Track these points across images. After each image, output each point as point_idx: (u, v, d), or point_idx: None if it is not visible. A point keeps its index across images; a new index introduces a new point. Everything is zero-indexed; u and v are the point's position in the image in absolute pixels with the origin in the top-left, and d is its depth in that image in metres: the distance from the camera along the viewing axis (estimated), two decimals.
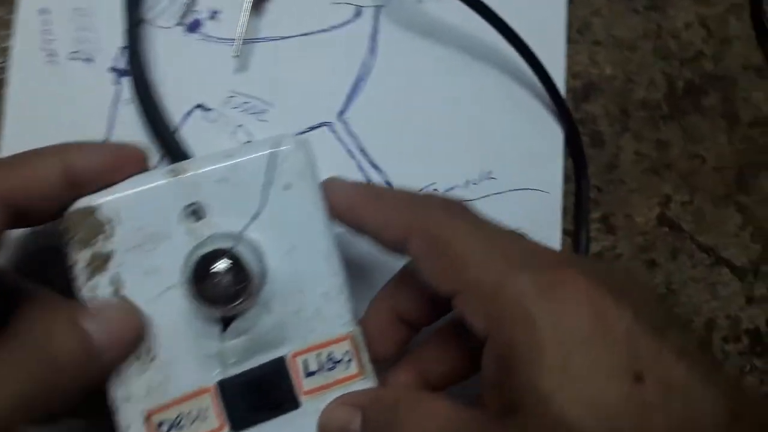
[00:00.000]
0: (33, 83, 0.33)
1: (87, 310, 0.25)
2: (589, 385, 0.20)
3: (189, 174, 0.26)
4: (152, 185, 0.26)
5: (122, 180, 0.26)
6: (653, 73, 0.38)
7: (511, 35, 0.34)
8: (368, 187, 0.28)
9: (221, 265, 0.25)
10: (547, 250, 0.25)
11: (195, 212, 0.27)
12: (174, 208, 0.26)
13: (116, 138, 0.33)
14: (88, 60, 0.33)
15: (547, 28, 0.37)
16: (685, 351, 0.21)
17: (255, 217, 0.27)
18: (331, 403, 0.27)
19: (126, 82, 0.33)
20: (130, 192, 0.26)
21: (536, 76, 0.35)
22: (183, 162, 0.27)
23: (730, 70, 0.38)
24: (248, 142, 0.34)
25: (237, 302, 0.25)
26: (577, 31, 0.37)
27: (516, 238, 0.26)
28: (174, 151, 0.32)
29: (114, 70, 0.33)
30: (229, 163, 0.27)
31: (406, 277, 0.29)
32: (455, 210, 0.26)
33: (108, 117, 0.33)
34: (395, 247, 0.26)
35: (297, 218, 0.27)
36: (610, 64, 0.37)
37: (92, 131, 0.33)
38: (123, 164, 0.26)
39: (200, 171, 0.26)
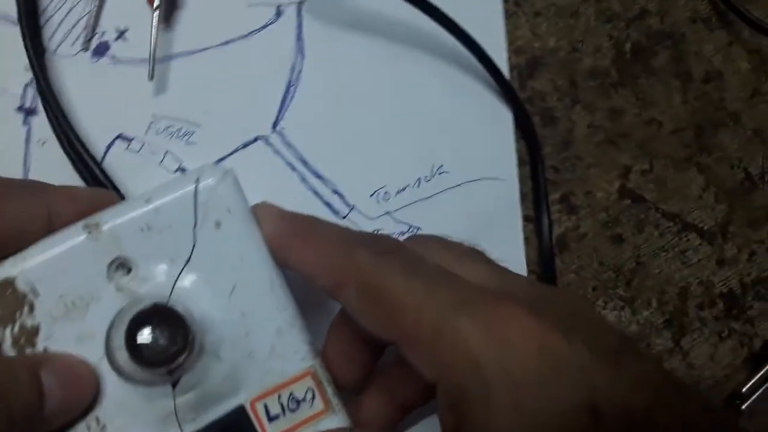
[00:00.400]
0: None
1: (47, 363, 0.23)
2: (544, 423, 0.19)
3: (107, 226, 0.24)
4: (68, 245, 0.24)
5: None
6: (599, 39, 0.36)
7: (443, 18, 0.32)
8: (297, 221, 0.26)
9: (154, 326, 0.22)
10: (485, 287, 0.23)
11: (122, 267, 0.24)
12: (98, 266, 0.24)
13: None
14: None
15: (481, 3, 0.35)
16: (642, 378, 0.20)
17: (187, 262, 0.25)
18: None
19: (35, 122, 0.30)
20: (46, 256, 0.23)
21: (475, 57, 0.33)
22: (97, 214, 0.25)
23: (677, 25, 0.37)
24: (178, 171, 0.31)
25: (180, 360, 0.23)
26: (514, 3, 0.35)
27: (452, 277, 0.24)
28: (104, 187, 0.30)
29: (21, 109, 0.30)
30: (149, 207, 0.24)
31: (340, 324, 0.28)
32: (388, 251, 0.25)
33: (23, 159, 0.30)
34: (328, 294, 0.24)
35: (233, 256, 0.25)
36: (552, 35, 0.35)
37: (9, 175, 0.30)
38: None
39: (118, 222, 0.24)
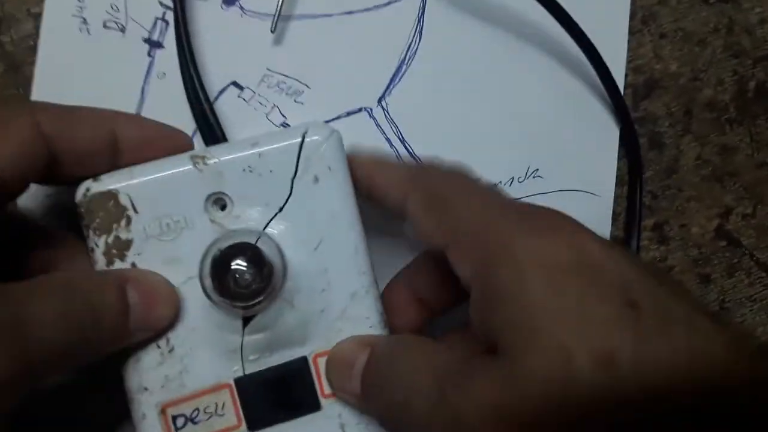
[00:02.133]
0: (63, 52, 0.31)
1: (134, 280, 0.24)
2: (576, 311, 0.19)
3: (213, 161, 0.25)
4: (174, 171, 0.25)
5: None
6: (722, 72, 0.35)
7: (569, 22, 0.32)
8: (377, 156, 0.28)
9: (241, 261, 0.23)
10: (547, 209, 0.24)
11: (219, 201, 0.25)
12: (197, 196, 0.25)
13: (149, 112, 0.31)
14: (122, 30, 0.32)
15: (608, 15, 0.34)
16: (684, 294, 0.20)
17: (281, 209, 0.25)
18: (345, 339, 0.26)
19: (159, 55, 0.32)
20: (151, 177, 0.24)
21: (593, 67, 0.33)
22: (208, 148, 0.26)
23: None
24: (281, 126, 0.32)
25: (257, 300, 0.23)
26: (641, 21, 0.34)
27: (507, 199, 0.27)
28: (210, 128, 0.31)
29: (147, 41, 0.32)
30: (255, 151, 0.25)
31: (426, 260, 0.29)
32: (455, 172, 0.27)
33: (141, 88, 0.32)
34: (397, 208, 0.26)
35: (325, 213, 0.25)
36: (675, 59, 0.34)
37: (123, 105, 0.31)
38: (168, 147, 0.26)
39: (225, 159, 0.25)
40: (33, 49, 0.31)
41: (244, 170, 0.25)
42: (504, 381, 0.19)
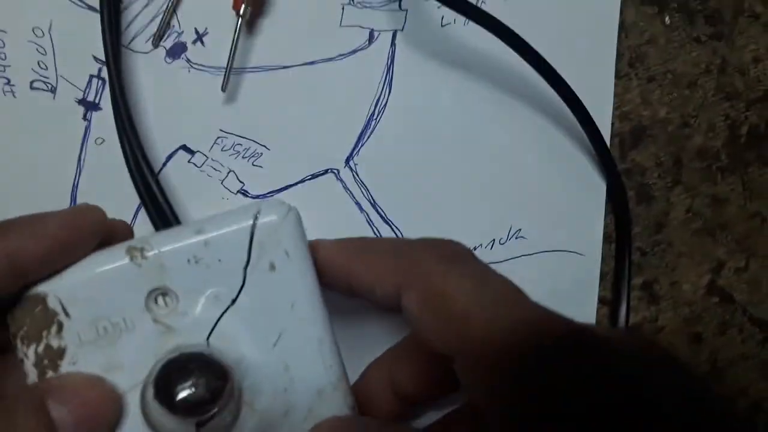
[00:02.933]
0: None
1: (56, 392, 0.21)
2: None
3: (152, 253, 0.22)
4: (109, 267, 0.22)
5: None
6: (714, 117, 0.32)
7: (549, 72, 0.29)
8: (353, 240, 0.24)
9: (189, 373, 0.20)
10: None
11: (162, 297, 0.22)
12: (136, 294, 0.22)
13: (88, 182, 0.28)
14: (52, 90, 0.28)
15: (593, 58, 0.31)
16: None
17: (233, 302, 0.22)
18: (318, 425, 0.23)
19: (96, 117, 0.28)
20: (82, 277, 0.21)
21: (577, 119, 0.30)
22: (146, 237, 0.23)
23: None
24: (238, 193, 0.29)
25: (213, 410, 0.21)
26: (628, 64, 0.32)
27: (521, 294, 0.23)
28: (155, 203, 0.27)
29: (82, 102, 0.28)
30: (200, 239, 0.22)
31: (405, 349, 0.26)
32: (452, 256, 0.23)
33: (78, 156, 0.28)
34: (389, 303, 0.23)
35: (284, 302, 0.23)
36: (664, 104, 0.32)
37: (58, 177, 0.28)
38: (78, 240, 0.22)
39: (166, 249, 0.22)
40: None
41: (188, 261, 0.22)
42: None
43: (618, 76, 0.31)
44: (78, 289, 0.22)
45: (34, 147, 0.28)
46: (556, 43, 0.30)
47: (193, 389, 0.20)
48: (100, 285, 0.22)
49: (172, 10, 0.29)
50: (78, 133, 0.28)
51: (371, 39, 0.30)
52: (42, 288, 0.22)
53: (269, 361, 0.23)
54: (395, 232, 0.30)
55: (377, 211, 0.30)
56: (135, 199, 0.28)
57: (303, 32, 0.29)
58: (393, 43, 0.30)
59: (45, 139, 0.28)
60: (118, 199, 0.28)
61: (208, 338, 0.21)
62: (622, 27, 0.31)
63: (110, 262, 0.22)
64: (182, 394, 0.20)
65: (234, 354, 0.22)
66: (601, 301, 0.31)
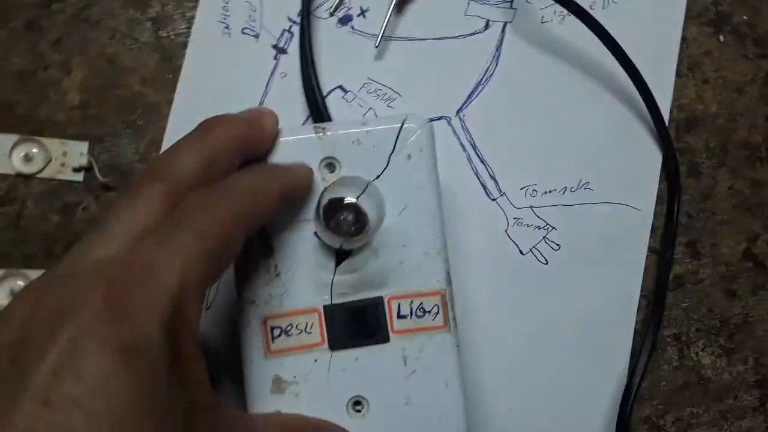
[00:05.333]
0: (208, 49, 0.39)
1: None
2: None
3: (330, 133, 0.31)
4: (303, 137, 0.31)
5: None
6: (756, 118, 0.40)
7: (627, 61, 0.38)
8: None
9: (348, 206, 0.29)
10: None
11: (330, 165, 0.31)
12: (315, 158, 0.31)
13: (268, 104, 0.39)
14: (256, 36, 0.39)
15: (659, 60, 0.40)
16: None
17: (378, 176, 0.31)
18: None
19: (283, 59, 0.39)
20: (287, 138, 0.31)
21: (644, 102, 0.38)
22: (327, 122, 0.32)
23: None
24: (386, 115, 0.39)
25: (355, 237, 0.29)
26: (687, 68, 0.40)
27: None
28: (321, 117, 0.38)
29: (275, 47, 0.39)
30: (364, 129, 0.31)
31: None
32: None
33: (264, 85, 0.39)
34: None
35: (412, 184, 0.31)
36: (715, 102, 0.40)
37: (249, 96, 0.39)
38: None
39: (340, 132, 0.31)
40: (184, 45, 0.39)
41: (353, 142, 0.31)
42: None
43: (678, 75, 0.40)
44: (282, 145, 0.31)
45: (236, 74, 0.39)
46: (633, 46, 0.38)
47: (346, 219, 0.29)
48: (295, 146, 0.31)
49: None
50: (268, 68, 0.39)
51: (486, 26, 0.40)
52: None
53: (395, 223, 0.31)
54: (488, 170, 0.39)
55: (476, 152, 0.39)
56: (302, 117, 0.38)
57: (437, 16, 0.40)
58: (503, 31, 0.40)
59: (244, 69, 0.39)
60: (289, 118, 0.38)
61: (360, 195, 0.30)
62: (684, 40, 0.40)
63: (305, 133, 0.31)
64: (338, 218, 0.29)
65: (374, 210, 0.30)
66: (651, 250, 0.38)
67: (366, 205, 0.29)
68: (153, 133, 0.38)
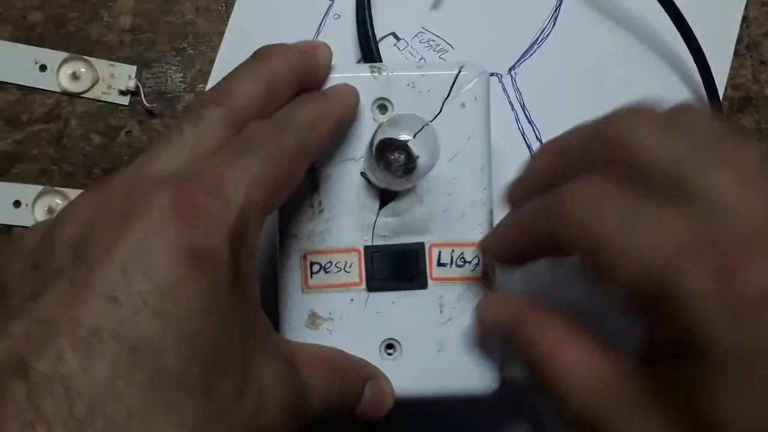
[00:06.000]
0: None
1: None
2: None
3: (386, 73, 0.31)
4: (358, 75, 0.31)
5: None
6: None
7: (688, 33, 0.37)
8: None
9: (401, 146, 0.29)
10: None
11: (383, 106, 0.31)
12: (369, 97, 0.31)
13: None
14: None
15: (719, 37, 0.39)
16: None
17: (431, 121, 0.31)
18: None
19: (338, 1, 0.39)
20: (341, 75, 0.31)
21: (701, 76, 0.38)
22: (382, 63, 0.32)
23: None
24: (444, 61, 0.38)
25: (404, 179, 0.29)
26: (746, 47, 0.39)
27: None
28: (373, 59, 0.37)
29: None
30: (420, 73, 0.31)
31: None
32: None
33: (317, 25, 0.39)
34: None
35: (464, 132, 0.31)
36: None
37: (301, 36, 0.38)
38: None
39: (395, 73, 0.31)
40: None
41: (408, 85, 0.31)
42: None
43: (736, 54, 0.39)
44: (336, 82, 0.30)
45: (289, 12, 0.39)
46: (693, 22, 0.38)
47: (397, 159, 0.29)
48: (351, 83, 0.30)
49: None
50: (322, 8, 0.39)
51: None
52: None
53: (443, 170, 0.31)
54: (534, 132, 0.38)
55: (524, 112, 0.38)
56: (354, 59, 0.38)
57: None
58: None
59: (298, 8, 0.39)
60: (340, 61, 0.38)
61: (412, 138, 0.29)
62: (745, 20, 0.39)
63: (361, 71, 0.31)
64: (389, 155, 0.29)
65: (424, 153, 0.29)
66: None
67: (419, 147, 0.29)
68: (201, 64, 0.38)
